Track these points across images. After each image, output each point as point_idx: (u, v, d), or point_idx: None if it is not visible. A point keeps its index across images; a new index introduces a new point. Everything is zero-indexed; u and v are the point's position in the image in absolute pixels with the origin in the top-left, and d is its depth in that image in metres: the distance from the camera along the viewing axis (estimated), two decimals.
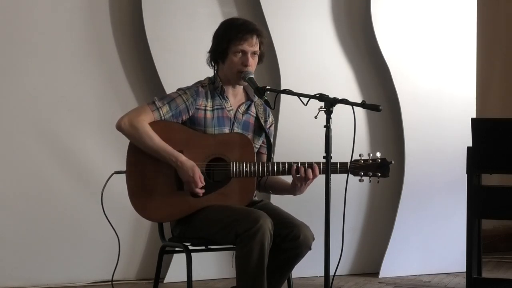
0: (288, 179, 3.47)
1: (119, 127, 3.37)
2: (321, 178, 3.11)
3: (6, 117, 4.76)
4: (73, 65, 4.87)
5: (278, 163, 3.40)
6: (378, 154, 3.42)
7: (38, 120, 4.81)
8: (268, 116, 3.63)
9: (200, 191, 3.34)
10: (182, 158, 3.34)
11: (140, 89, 5.00)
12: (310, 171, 3.36)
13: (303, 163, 3.37)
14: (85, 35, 4.89)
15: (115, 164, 3.70)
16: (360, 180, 3.39)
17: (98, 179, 3.90)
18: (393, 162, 3.42)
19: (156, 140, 3.35)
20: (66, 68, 4.86)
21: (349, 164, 3.33)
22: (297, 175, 3.38)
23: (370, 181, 3.40)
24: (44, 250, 4.81)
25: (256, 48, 3.46)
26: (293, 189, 3.44)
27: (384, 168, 3.40)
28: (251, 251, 3.17)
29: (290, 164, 3.38)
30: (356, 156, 3.32)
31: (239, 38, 3.41)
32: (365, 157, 3.40)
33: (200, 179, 3.32)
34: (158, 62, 4.89)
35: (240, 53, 3.43)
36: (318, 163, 3.36)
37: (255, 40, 3.44)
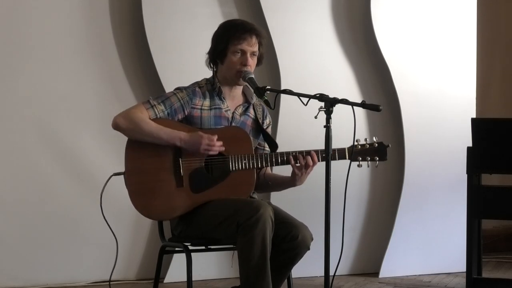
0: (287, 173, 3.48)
1: (115, 124, 3.34)
2: (321, 177, 3.11)
3: (6, 117, 4.75)
4: (73, 65, 4.87)
5: (276, 154, 3.40)
6: (374, 139, 3.44)
7: (38, 120, 4.80)
8: (266, 117, 3.64)
9: (221, 147, 3.32)
10: (184, 134, 3.32)
11: (140, 89, 5.00)
12: (309, 158, 3.36)
13: (301, 152, 3.38)
14: (85, 35, 4.88)
15: (114, 165, 3.70)
16: (358, 165, 3.39)
17: (98, 179, 3.90)
18: (390, 145, 3.44)
19: (153, 124, 3.32)
20: (66, 68, 4.86)
21: (347, 150, 3.36)
22: (297, 164, 3.38)
23: (368, 165, 3.41)
24: (44, 250, 4.80)
25: (255, 49, 3.45)
26: (293, 180, 3.44)
27: (381, 152, 3.42)
28: (253, 240, 3.15)
29: (288, 153, 3.39)
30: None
31: (238, 37, 3.41)
32: (361, 142, 3.42)
33: (212, 137, 3.29)
34: (158, 62, 4.89)
35: (239, 53, 3.43)
36: (316, 151, 3.37)
37: (254, 40, 3.44)
